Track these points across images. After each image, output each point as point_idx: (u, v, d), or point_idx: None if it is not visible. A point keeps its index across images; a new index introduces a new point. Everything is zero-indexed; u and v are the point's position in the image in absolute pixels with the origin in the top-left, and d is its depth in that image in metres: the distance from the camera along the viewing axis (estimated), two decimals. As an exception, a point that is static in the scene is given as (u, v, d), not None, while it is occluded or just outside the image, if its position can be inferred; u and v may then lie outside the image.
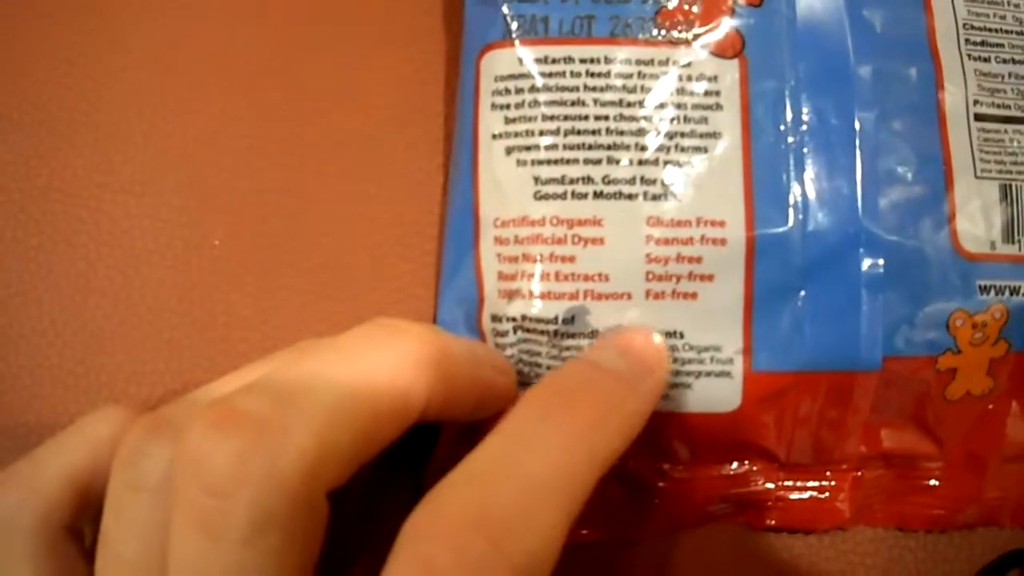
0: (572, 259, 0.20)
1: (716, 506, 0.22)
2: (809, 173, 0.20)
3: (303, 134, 0.25)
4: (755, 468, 0.22)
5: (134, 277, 0.24)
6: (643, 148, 0.20)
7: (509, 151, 0.21)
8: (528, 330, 0.21)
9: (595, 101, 0.21)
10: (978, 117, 0.21)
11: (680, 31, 0.21)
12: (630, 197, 0.20)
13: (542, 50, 0.21)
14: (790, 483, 0.22)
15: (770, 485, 0.22)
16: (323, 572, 0.15)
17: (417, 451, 0.21)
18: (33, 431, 0.24)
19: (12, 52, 0.26)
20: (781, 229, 0.20)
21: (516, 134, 0.21)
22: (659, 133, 0.20)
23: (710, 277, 0.20)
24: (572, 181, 0.20)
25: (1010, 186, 0.21)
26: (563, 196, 0.20)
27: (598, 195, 0.20)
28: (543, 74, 0.21)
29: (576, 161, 0.21)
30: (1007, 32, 0.22)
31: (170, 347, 0.24)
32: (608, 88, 0.21)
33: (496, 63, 0.21)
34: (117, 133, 0.25)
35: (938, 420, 0.22)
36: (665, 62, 0.21)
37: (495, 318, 0.21)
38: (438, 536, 0.13)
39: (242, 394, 0.14)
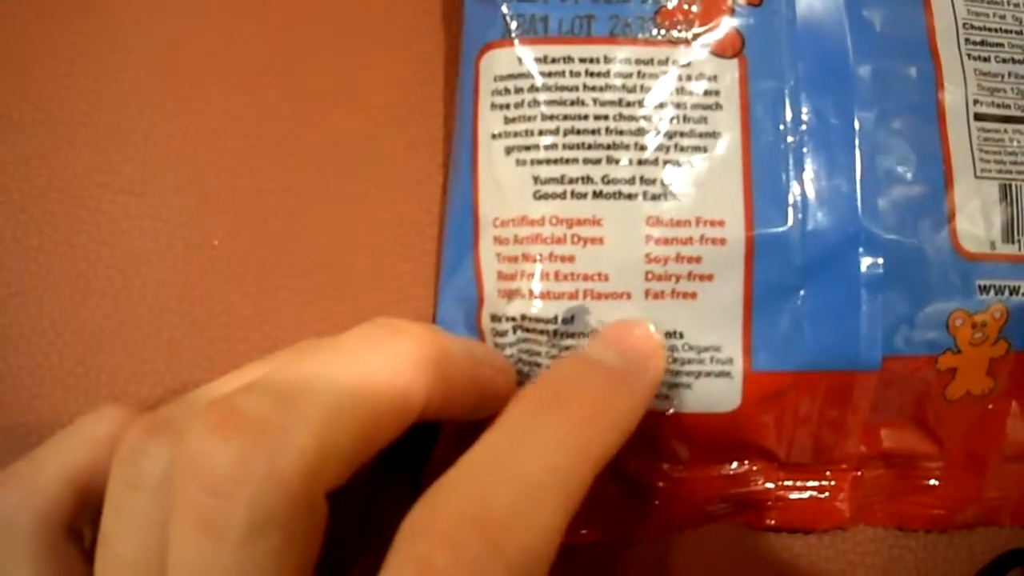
0: (571, 259, 0.20)
1: (716, 506, 0.22)
2: (808, 173, 0.20)
3: (303, 134, 0.25)
4: (755, 468, 0.22)
5: (134, 277, 0.24)
6: (642, 148, 0.20)
7: (508, 151, 0.21)
8: (528, 330, 0.21)
9: (595, 101, 0.21)
10: (978, 117, 0.21)
11: (680, 31, 0.21)
12: (629, 197, 0.20)
13: (541, 50, 0.21)
14: (790, 483, 0.22)
15: (770, 485, 0.22)
16: (323, 572, 0.15)
17: (417, 451, 0.21)
18: (33, 431, 0.24)
19: (12, 52, 0.26)
20: (780, 229, 0.20)
21: (516, 134, 0.21)
22: (658, 133, 0.20)
23: (709, 277, 0.20)
24: (572, 181, 0.20)
25: (1010, 186, 0.21)
26: (563, 196, 0.20)
27: (597, 195, 0.20)
28: (543, 74, 0.21)
29: (576, 161, 0.21)
30: (1007, 32, 0.22)
31: (170, 347, 0.24)
32: (608, 88, 0.21)
33: (495, 63, 0.21)
34: (117, 133, 0.25)
35: (938, 420, 0.22)
36: (664, 62, 0.21)
37: (494, 318, 0.21)
38: (435, 534, 0.13)
39: (242, 394, 0.14)
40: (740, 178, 0.20)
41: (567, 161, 0.21)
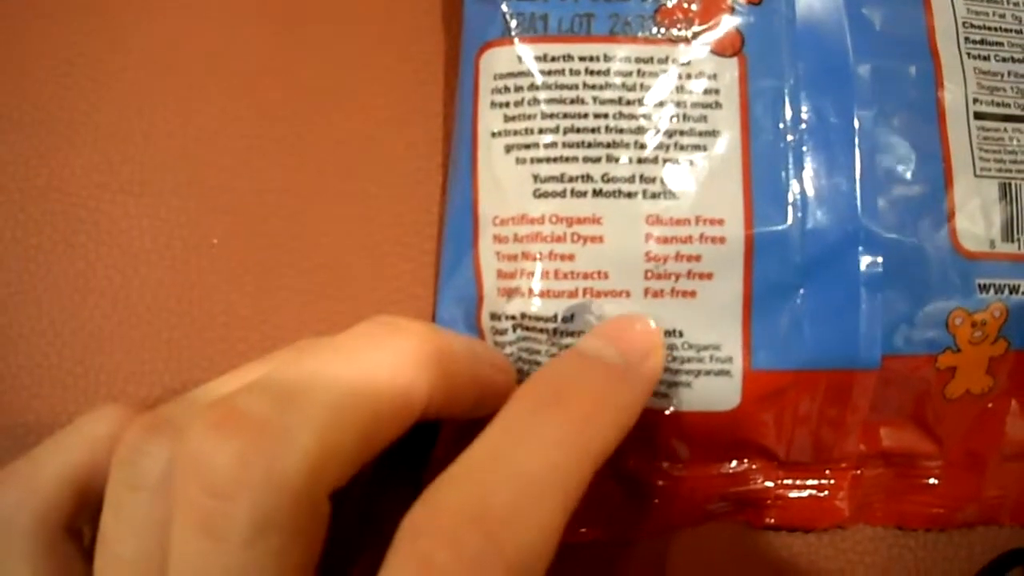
0: (571, 257, 0.20)
1: (715, 505, 0.22)
2: (808, 171, 0.20)
3: (303, 134, 0.25)
4: (754, 467, 0.22)
5: (133, 277, 0.24)
6: (642, 146, 0.20)
7: (508, 149, 0.21)
8: (527, 328, 0.21)
9: (594, 99, 0.21)
10: (978, 115, 0.21)
11: (679, 29, 0.21)
12: (629, 195, 0.20)
13: (541, 48, 0.21)
14: (789, 481, 0.22)
15: (769, 484, 0.22)
16: (323, 572, 0.15)
17: (417, 451, 0.21)
18: (33, 431, 0.24)
19: (12, 52, 0.26)
20: (780, 227, 0.20)
21: (515, 132, 0.21)
22: (658, 131, 0.20)
23: (709, 275, 0.20)
24: (571, 179, 0.20)
25: (1009, 185, 0.21)
26: (562, 194, 0.20)
27: (597, 193, 0.20)
28: (542, 72, 0.21)
29: (575, 159, 0.21)
30: (1006, 31, 0.22)
31: (169, 347, 0.24)
32: (607, 86, 0.21)
33: (495, 61, 0.21)
34: (117, 133, 0.25)
35: (937, 419, 0.22)
36: (664, 60, 0.21)
37: (494, 316, 0.21)
38: (436, 532, 0.13)
39: (242, 394, 0.14)
40: (740, 177, 0.20)
41: (567, 159, 0.21)
